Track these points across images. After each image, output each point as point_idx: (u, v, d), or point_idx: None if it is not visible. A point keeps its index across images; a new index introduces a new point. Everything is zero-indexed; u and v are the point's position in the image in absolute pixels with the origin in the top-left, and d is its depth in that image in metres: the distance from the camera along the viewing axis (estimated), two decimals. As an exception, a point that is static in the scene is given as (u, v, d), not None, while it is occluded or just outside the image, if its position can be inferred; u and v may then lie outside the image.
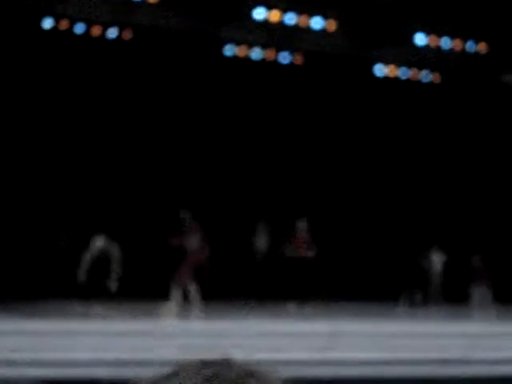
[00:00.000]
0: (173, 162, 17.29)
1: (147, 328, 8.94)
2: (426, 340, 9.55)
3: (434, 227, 18.25)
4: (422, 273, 17.30)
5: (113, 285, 12.75)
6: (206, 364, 0.78)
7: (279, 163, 18.24)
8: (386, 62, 19.28)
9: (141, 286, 13.69)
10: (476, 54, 18.98)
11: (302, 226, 15.03)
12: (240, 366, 0.78)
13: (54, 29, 16.44)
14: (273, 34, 17.95)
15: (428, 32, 18.17)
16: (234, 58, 18.03)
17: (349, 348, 8.90)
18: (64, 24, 16.49)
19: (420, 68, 19.53)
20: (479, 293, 16.82)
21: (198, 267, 12.74)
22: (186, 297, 12.51)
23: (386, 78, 19.31)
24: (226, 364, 0.78)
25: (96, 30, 16.69)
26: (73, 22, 16.58)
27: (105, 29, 16.79)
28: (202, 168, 17.63)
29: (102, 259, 12.89)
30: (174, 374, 0.78)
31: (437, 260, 18.16)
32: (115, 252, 12.97)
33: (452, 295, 17.54)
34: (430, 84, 19.81)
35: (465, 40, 18.47)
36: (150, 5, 16.68)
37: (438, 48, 18.59)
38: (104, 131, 16.99)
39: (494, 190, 19.59)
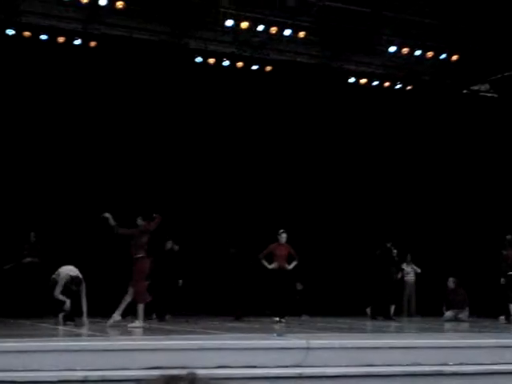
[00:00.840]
0: (136, 176, 17.05)
1: (115, 345, 8.70)
2: (401, 353, 9.44)
3: (409, 239, 18.25)
4: (396, 285, 17.25)
5: (84, 318, 12.57)
6: (170, 381, 0.80)
7: (247, 172, 18.11)
8: (358, 70, 19.32)
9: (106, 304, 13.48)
10: (448, 63, 19.09)
11: (282, 238, 14.67)
12: (205, 382, 0.79)
13: (19, 37, 16.15)
14: (244, 43, 17.86)
15: (401, 41, 18.25)
16: (205, 65, 17.90)
17: (323, 362, 8.77)
18: (28, 33, 16.24)
19: (392, 76, 19.60)
20: (454, 313, 16.81)
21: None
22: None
23: (358, 86, 19.32)
24: (190, 380, 0.81)
25: (61, 38, 16.47)
26: (38, 30, 16.31)
27: (70, 36, 16.56)
28: (173, 176, 17.44)
29: (73, 287, 12.70)
30: None
31: (411, 272, 18.13)
32: (83, 285, 12.72)
33: (426, 307, 17.54)
34: (402, 91, 19.88)
35: (437, 49, 18.58)
36: (118, 12, 16.47)
37: (411, 56, 18.68)
38: (68, 142, 16.70)
39: (468, 200, 19.69)
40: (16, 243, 15.57)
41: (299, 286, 17.24)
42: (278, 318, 14.12)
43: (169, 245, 15.05)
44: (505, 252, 15.44)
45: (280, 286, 14.28)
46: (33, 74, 16.34)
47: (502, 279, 15.35)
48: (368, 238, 17.46)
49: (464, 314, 16.65)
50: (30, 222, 15.82)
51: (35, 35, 16.30)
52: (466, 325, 15.86)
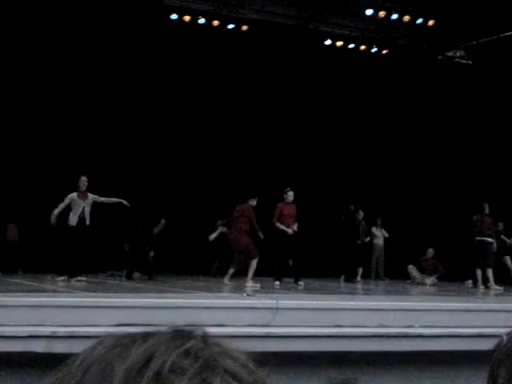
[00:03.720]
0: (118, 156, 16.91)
1: (83, 301, 8.72)
2: (368, 314, 9.60)
3: (380, 203, 18.35)
4: (364, 248, 17.42)
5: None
6: (181, 335, 0.71)
7: (217, 133, 18.01)
8: (335, 32, 19.22)
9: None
10: (424, 27, 19.06)
11: (289, 196, 13.93)
12: (215, 343, 0.71)
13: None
14: (220, 1, 17.66)
15: (377, 4, 18.16)
16: (180, 22, 17.67)
17: (291, 322, 8.89)
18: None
19: (368, 39, 19.54)
20: (421, 277, 17.09)
21: None
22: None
23: (334, 48, 19.23)
24: (201, 338, 0.71)
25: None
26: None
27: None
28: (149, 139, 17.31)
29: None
30: (145, 340, 0.70)
31: (380, 235, 18.30)
32: None
33: (394, 270, 17.77)
34: (378, 55, 19.84)
35: (414, 14, 18.53)
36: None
37: (387, 20, 18.61)
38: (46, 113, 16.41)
39: (438, 165, 19.84)
40: None
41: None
42: (278, 282, 13.66)
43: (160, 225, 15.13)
44: (477, 217, 15.45)
45: (286, 248, 13.78)
46: (4, 24, 16.00)
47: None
48: (340, 202, 17.54)
49: (430, 280, 16.91)
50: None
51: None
52: (431, 288, 16.12)
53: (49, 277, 12.84)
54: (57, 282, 12.25)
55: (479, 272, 15.26)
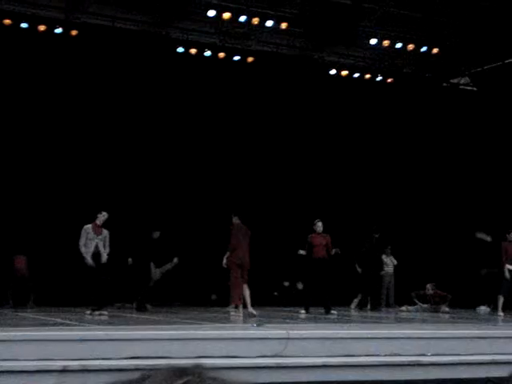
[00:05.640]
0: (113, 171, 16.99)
1: (94, 335, 8.69)
2: (379, 343, 9.52)
3: (387, 230, 18.30)
4: (375, 276, 17.32)
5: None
6: (177, 373, 0.71)
7: (228, 167, 18.07)
8: (340, 62, 19.35)
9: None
10: (428, 55, 19.18)
11: (318, 227, 14.24)
12: (211, 377, 0.72)
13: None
14: (226, 34, 17.84)
15: (382, 33, 18.29)
16: (186, 55, 17.85)
17: (303, 352, 8.82)
18: (8, 21, 16.11)
19: (373, 68, 19.65)
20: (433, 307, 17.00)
21: None
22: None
23: (339, 78, 19.34)
24: (198, 374, 0.71)
25: (42, 27, 16.34)
26: (18, 18, 16.19)
27: (51, 25, 16.43)
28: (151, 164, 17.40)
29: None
30: (143, 380, 0.71)
31: (389, 263, 18.22)
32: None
33: (404, 298, 17.66)
34: (383, 83, 19.93)
35: (418, 42, 18.65)
36: (99, 1, 16.36)
37: (391, 49, 18.73)
38: (46, 132, 16.54)
39: (446, 192, 19.81)
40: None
41: (300, 286, 16.90)
42: (304, 311, 13.87)
43: (155, 235, 14.87)
44: (505, 245, 15.40)
45: (318, 277, 13.96)
46: (13, 62, 16.18)
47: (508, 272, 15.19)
48: (350, 229, 17.50)
49: (443, 309, 16.81)
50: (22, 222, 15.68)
51: (16, 23, 16.15)
52: (443, 315, 16.01)
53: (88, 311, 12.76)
54: (88, 315, 12.27)
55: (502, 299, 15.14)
